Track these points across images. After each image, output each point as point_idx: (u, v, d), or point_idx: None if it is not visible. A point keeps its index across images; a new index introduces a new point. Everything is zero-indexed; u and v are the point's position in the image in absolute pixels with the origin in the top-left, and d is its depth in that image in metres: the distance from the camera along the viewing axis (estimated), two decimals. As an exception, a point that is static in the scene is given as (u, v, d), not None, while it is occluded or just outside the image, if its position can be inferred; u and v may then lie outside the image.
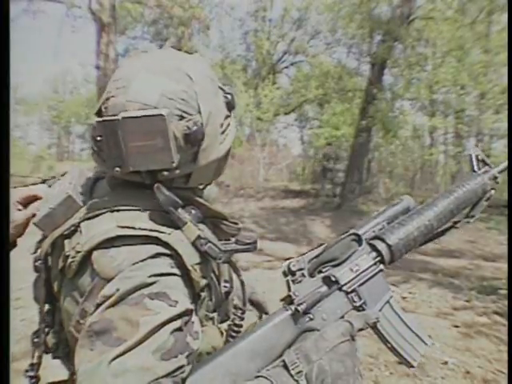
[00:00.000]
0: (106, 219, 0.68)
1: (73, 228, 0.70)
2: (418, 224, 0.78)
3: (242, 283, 0.80)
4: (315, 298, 0.69)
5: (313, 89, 13.34)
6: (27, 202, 0.82)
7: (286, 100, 15.49)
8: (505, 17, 9.34)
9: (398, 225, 0.79)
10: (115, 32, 9.63)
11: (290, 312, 0.69)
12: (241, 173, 13.62)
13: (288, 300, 0.71)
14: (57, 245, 0.71)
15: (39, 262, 0.72)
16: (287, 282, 0.73)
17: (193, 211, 0.71)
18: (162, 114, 0.65)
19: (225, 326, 0.75)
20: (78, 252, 0.65)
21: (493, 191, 0.90)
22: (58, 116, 35.56)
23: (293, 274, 0.73)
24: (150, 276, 0.61)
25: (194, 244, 0.66)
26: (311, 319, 0.69)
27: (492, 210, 9.83)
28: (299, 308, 0.68)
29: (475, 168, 0.91)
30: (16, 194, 0.82)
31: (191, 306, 0.63)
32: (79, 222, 0.69)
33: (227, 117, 0.77)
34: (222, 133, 0.75)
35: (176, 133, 0.67)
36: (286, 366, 0.62)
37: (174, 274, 0.63)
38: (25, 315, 3.05)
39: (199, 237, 0.66)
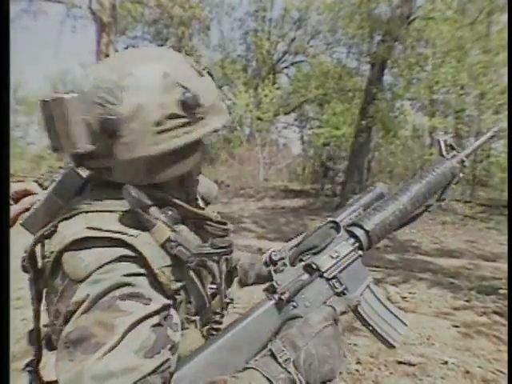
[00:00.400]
0: (78, 220, 0.68)
1: (53, 228, 0.70)
2: (393, 209, 0.81)
3: (222, 288, 0.79)
4: (298, 286, 0.70)
5: (313, 89, 13.34)
6: (18, 197, 0.83)
7: (285, 100, 15.49)
8: (505, 17, 9.35)
9: (373, 211, 0.80)
10: (115, 32, 9.63)
11: (273, 301, 0.70)
12: (241, 173, 13.63)
13: (271, 289, 0.72)
14: (40, 245, 0.72)
15: (26, 262, 0.72)
16: (269, 271, 0.74)
17: (169, 212, 0.70)
18: (60, 98, 0.67)
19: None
20: (52, 252, 0.66)
21: (461, 174, 0.94)
22: (58, 116, 35.56)
23: (274, 263, 0.74)
24: (119, 277, 0.60)
25: (163, 246, 0.65)
26: (295, 307, 0.70)
27: (492, 209, 9.85)
28: (283, 296, 0.69)
29: (444, 153, 0.94)
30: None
31: (167, 301, 0.63)
32: (58, 222, 0.70)
33: (178, 117, 0.69)
34: (160, 132, 0.68)
35: (90, 119, 0.67)
36: (273, 355, 0.62)
37: (143, 275, 0.63)
38: (25, 315, 3.05)
39: (169, 239, 0.65)
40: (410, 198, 0.83)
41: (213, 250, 0.68)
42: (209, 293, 0.76)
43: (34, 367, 0.77)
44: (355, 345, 2.71)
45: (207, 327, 0.74)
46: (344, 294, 0.73)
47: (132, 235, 0.64)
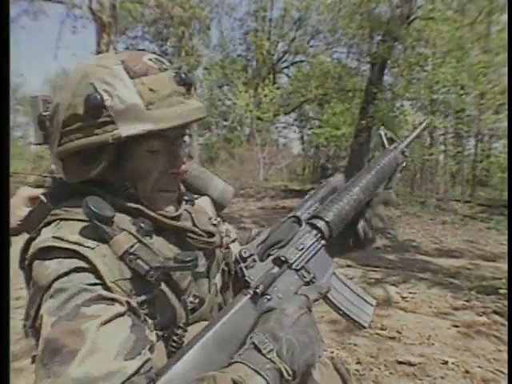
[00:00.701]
0: (51, 227, 0.70)
1: (38, 233, 0.71)
2: (348, 199, 0.86)
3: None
4: (270, 279, 0.72)
5: (313, 89, 13.35)
6: (34, 203, 0.85)
7: (286, 100, 15.49)
8: (505, 17, 9.35)
9: (331, 203, 0.86)
10: (115, 32, 9.63)
11: (248, 296, 0.72)
12: (241, 173, 13.63)
13: (244, 285, 0.74)
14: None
15: (20, 262, 0.74)
16: (240, 268, 0.75)
17: (141, 225, 0.70)
18: (33, 97, 0.76)
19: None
20: (28, 257, 0.68)
21: (404, 163, 1.02)
22: (58, 116, 35.58)
23: (244, 260, 0.75)
24: (78, 286, 0.61)
25: (122, 259, 0.65)
26: (269, 300, 0.72)
27: (492, 209, 9.85)
28: (257, 290, 0.71)
29: (386, 145, 1.04)
30: (22, 193, 0.87)
31: (132, 302, 0.63)
32: (41, 228, 0.72)
33: (79, 118, 0.68)
34: (65, 133, 0.69)
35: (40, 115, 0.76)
36: (257, 347, 0.63)
37: (101, 284, 0.63)
38: (25, 315, 3.05)
39: (127, 252, 0.65)
40: (362, 189, 0.89)
41: (175, 265, 0.67)
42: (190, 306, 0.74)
43: None
44: (355, 345, 2.71)
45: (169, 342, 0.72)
46: (313, 282, 0.76)
47: (88, 247, 0.65)
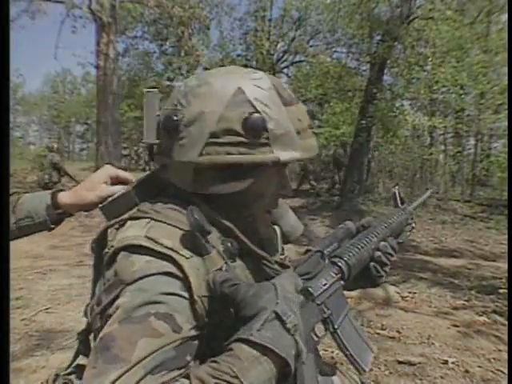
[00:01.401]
0: (141, 225, 0.70)
1: (122, 222, 0.73)
2: (367, 246, 0.90)
3: None
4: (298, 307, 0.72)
5: (312, 88, 13.33)
6: (113, 182, 0.89)
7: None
8: (504, 17, 9.36)
9: (351, 246, 0.88)
10: (115, 32, 9.63)
11: None
12: (241, 173, 13.58)
13: None
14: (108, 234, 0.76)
15: (93, 244, 0.76)
16: None
17: (228, 244, 0.70)
18: (150, 91, 0.76)
19: None
20: (112, 247, 0.69)
21: (413, 224, 1.12)
22: (58, 116, 35.57)
23: None
24: (159, 294, 0.61)
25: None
26: None
27: (492, 209, 9.85)
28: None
29: (399, 204, 1.17)
30: (106, 170, 0.91)
31: (195, 334, 0.63)
32: (127, 220, 0.73)
33: (236, 134, 0.68)
34: (212, 144, 0.69)
35: (161, 116, 0.74)
36: (280, 319, 0.59)
37: (184, 297, 0.63)
38: (25, 315, 3.06)
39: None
40: (379, 239, 0.94)
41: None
42: None
43: (84, 337, 0.78)
44: (355, 344, 2.71)
45: None
46: (330, 319, 0.77)
47: (183, 255, 0.64)
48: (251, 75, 0.73)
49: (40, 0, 9.63)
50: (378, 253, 0.91)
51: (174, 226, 0.68)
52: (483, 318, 3.29)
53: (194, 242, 0.66)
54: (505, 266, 4.79)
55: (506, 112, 7.56)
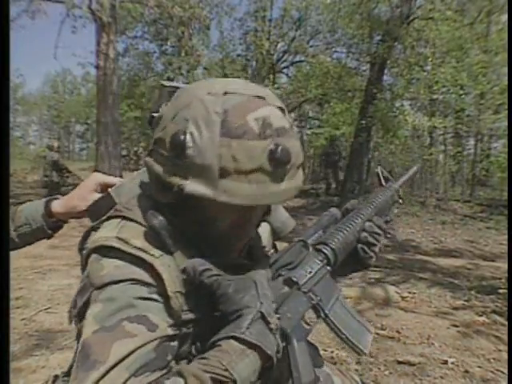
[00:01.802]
0: (113, 224, 0.71)
1: (100, 224, 0.74)
2: (351, 229, 0.89)
3: None
4: (281, 299, 0.73)
5: (312, 89, 13.32)
6: (102, 189, 0.91)
7: (285, 100, 15.47)
8: (504, 17, 9.35)
9: (336, 231, 0.88)
10: (115, 32, 9.62)
11: None
12: (240, 173, 13.57)
13: None
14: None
15: (79, 245, 0.78)
16: None
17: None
18: (165, 85, 0.81)
19: None
20: (87, 248, 0.70)
21: (400, 200, 1.10)
22: (58, 116, 35.58)
23: None
24: (129, 298, 0.62)
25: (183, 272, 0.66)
26: (279, 318, 0.72)
27: (492, 209, 9.86)
28: None
29: (383, 183, 1.14)
30: (95, 178, 0.93)
31: (171, 332, 0.64)
32: (104, 220, 0.74)
33: (174, 155, 0.65)
34: (155, 150, 0.69)
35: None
36: (264, 318, 0.62)
37: (155, 300, 0.64)
38: (25, 315, 3.05)
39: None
40: (363, 220, 0.93)
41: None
42: None
43: None
44: (355, 344, 2.71)
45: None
46: (319, 305, 0.77)
47: (153, 255, 0.65)
48: (217, 89, 0.64)
49: (40, 0, 9.62)
50: (364, 233, 0.90)
51: (144, 225, 0.69)
52: (483, 318, 3.29)
53: (162, 240, 0.67)
54: (505, 266, 4.79)
55: (506, 112, 7.56)
